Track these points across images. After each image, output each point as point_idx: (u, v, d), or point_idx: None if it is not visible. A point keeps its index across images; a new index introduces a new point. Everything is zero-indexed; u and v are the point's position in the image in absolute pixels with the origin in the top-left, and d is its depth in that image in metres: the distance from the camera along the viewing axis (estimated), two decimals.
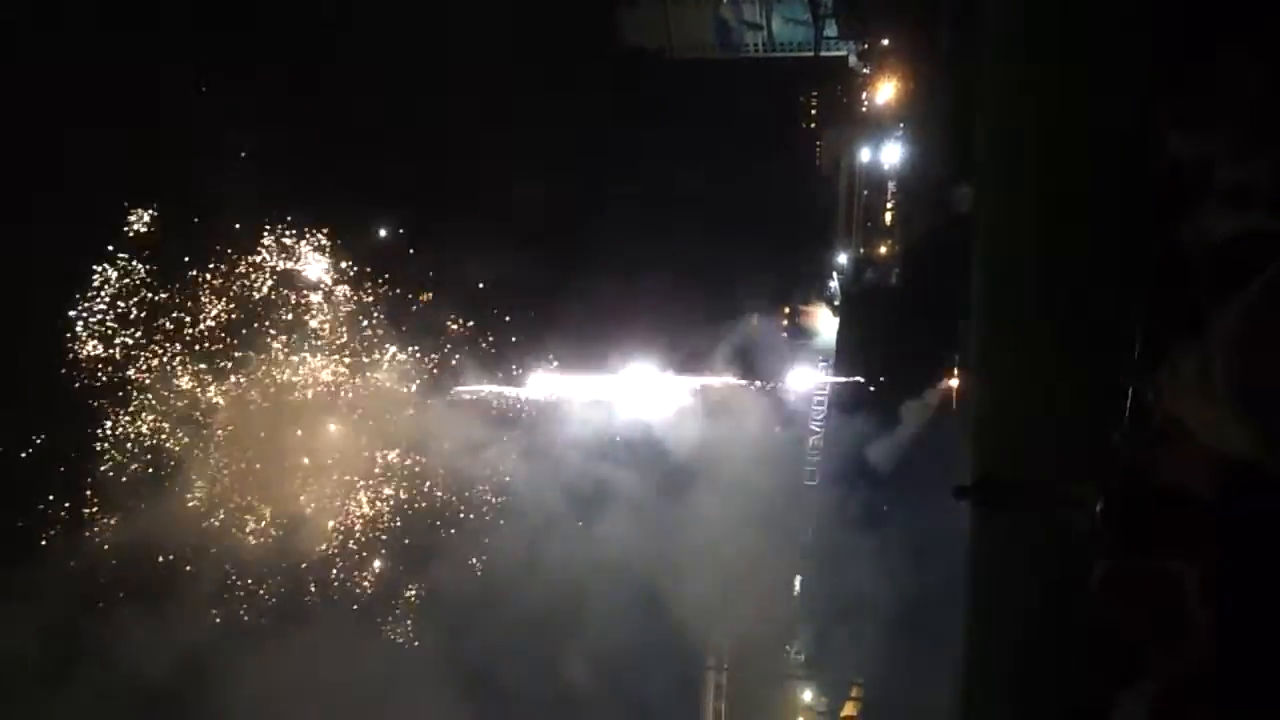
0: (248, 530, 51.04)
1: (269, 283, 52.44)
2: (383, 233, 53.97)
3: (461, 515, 53.32)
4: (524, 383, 55.43)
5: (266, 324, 52.37)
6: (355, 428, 53.22)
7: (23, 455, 49.09)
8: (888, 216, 58.85)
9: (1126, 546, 5.54)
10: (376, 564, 53.09)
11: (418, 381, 53.86)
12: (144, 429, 51.19)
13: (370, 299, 53.44)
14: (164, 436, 51.37)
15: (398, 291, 53.76)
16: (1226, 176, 5.29)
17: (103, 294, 50.78)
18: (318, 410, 52.66)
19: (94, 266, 50.64)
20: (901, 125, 57.14)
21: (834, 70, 61.63)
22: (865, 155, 58.43)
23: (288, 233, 52.43)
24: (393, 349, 53.61)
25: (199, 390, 51.81)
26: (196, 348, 51.69)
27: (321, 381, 52.86)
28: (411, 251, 53.95)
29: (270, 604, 51.00)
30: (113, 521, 49.88)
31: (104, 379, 50.81)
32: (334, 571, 52.42)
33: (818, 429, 57.26)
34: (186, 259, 51.43)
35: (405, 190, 53.61)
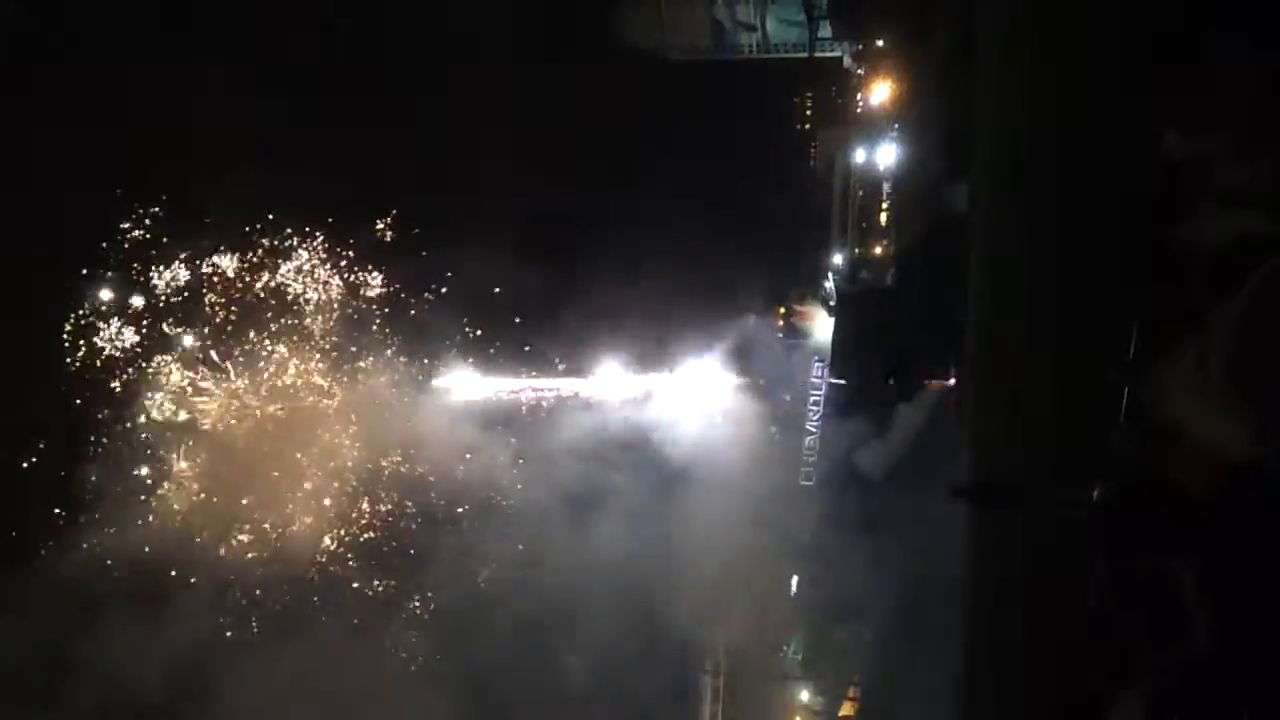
0: (241, 536, 50.82)
1: (260, 286, 52.31)
2: (377, 234, 53.89)
3: (455, 518, 53.23)
4: (519, 384, 55.41)
5: (260, 327, 52.23)
6: (351, 431, 53.10)
7: (11, 462, 48.92)
8: (883, 217, 58.83)
9: (1124, 546, 5.54)
10: (373, 568, 52.98)
11: (413, 384, 53.82)
12: (136, 434, 51.00)
13: (364, 300, 53.38)
14: (157, 441, 51.20)
15: (392, 293, 53.73)
16: (1224, 178, 5.29)
17: (94, 300, 50.62)
18: (312, 414, 52.53)
19: (85, 270, 50.57)
20: (896, 126, 57.15)
21: (829, 71, 61.71)
22: (860, 156, 58.39)
23: (281, 235, 52.34)
24: (388, 351, 53.55)
25: (193, 395, 51.66)
26: (191, 352, 51.58)
27: (316, 384, 52.74)
28: (406, 252, 53.90)
29: (266, 611, 50.82)
30: (103, 529, 49.66)
31: (96, 384, 50.71)
32: (330, 577, 52.28)
33: (813, 429, 57.26)
34: (179, 263, 51.33)
35: (400, 190, 53.60)
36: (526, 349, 55.16)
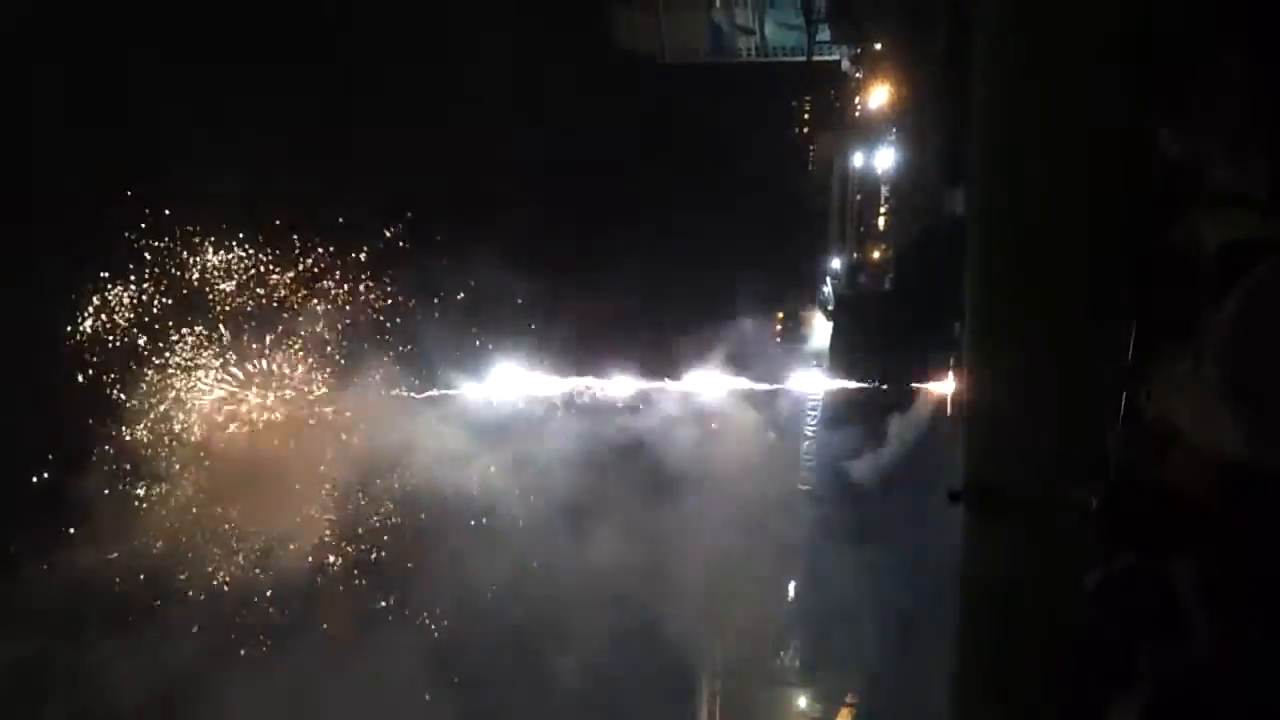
0: (232, 546, 50.53)
1: (252, 293, 52.14)
2: (376, 240, 53.81)
3: (451, 524, 53.11)
4: (518, 388, 55.36)
5: (253, 333, 52.05)
6: (348, 436, 52.92)
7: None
8: (881, 221, 58.92)
9: (1121, 548, 5.53)
10: (370, 572, 52.82)
11: (409, 388, 53.69)
12: (127, 442, 50.74)
13: (360, 306, 53.23)
14: (149, 448, 50.93)
15: (388, 298, 53.62)
16: (1217, 177, 5.29)
17: (85, 306, 50.38)
18: (304, 420, 52.32)
19: (72, 281, 50.22)
20: (894, 130, 57.23)
21: (827, 75, 61.81)
22: (858, 160, 58.50)
23: (275, 239, 52.15)
24: (383, 357, 53.41)
25: (183, 403, 51.45)
26: (184, 356, 51.40)
27: (310, 390, 52.53)
28: (404, 260, 53.80)
29: (259, 618, 50.54)
30: (91, 540, 49.46)
31: (87, 390, 50.53)
32: (325, 585, 52.09)
33: (812, 434, 57.27)
34: (171, 267, 51.18)
35: (399, 198, 53.57)
36: (523, 354, 55.05)
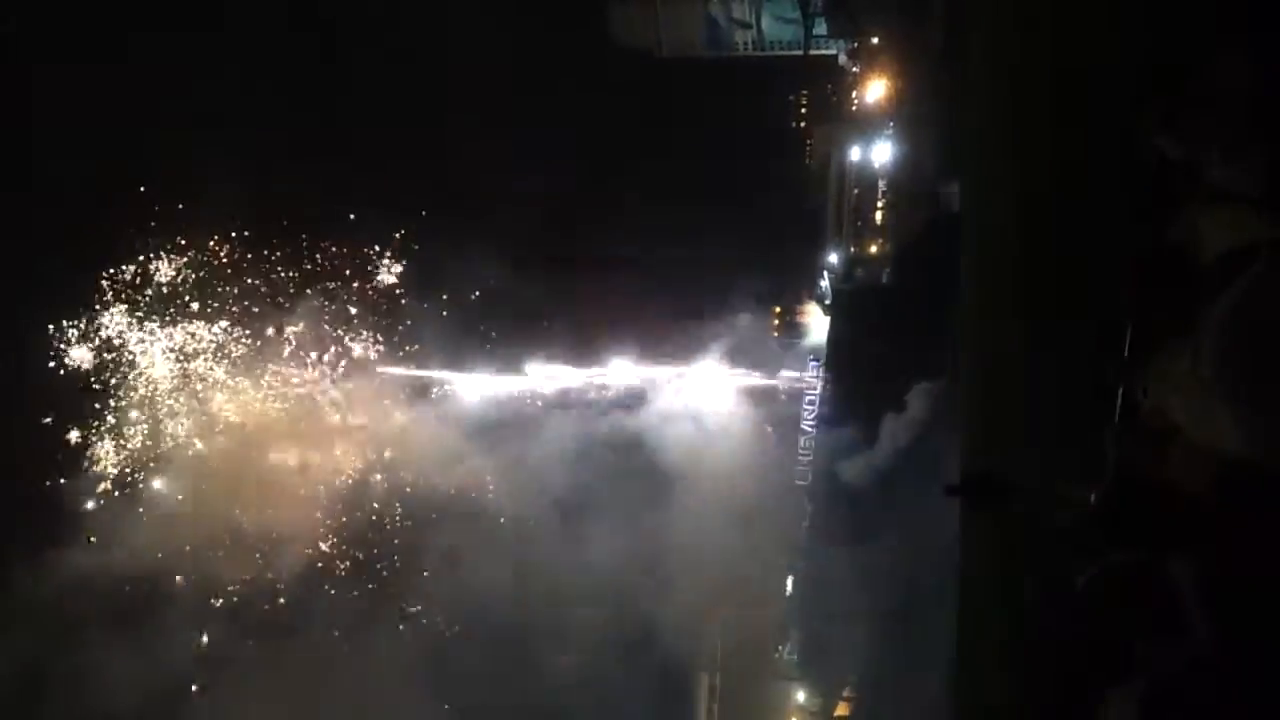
0: (229, 544, 50.44)
1: (246, 293, 52.05)
2: (372, 235, 53.76)
3: (446, 518, 53.09)
4: (515, 382, 55.39)
5: (247, 333, 51.96)
6: (344, 432, 52.88)
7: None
8: (878, 215, 58.88)
9: (1120, 544, 5.53)
10: (367, 570, 52.80)
11: (408, 380, 53.72)
12: (119, 442, 50.63)
13: (356, 303, 53.17)
14: (142, 449, 50.83)
15: (385, 294, 53.60)
16: (1215, 176, 5.28)
17: (77, 308, 50.26)
18: (300, 419, 52.26)
19: (63, 281, 50.11)
20: (891, 124, 57.18)
21: (824, 69, 61.74)
22: (855, 154, 58.44)
23: (270, 239, 52.05)
24: (379, 351, 53.38)
25: (178, 403, 51.36)
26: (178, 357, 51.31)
27: (304, 389, 52.46)
28: (403, 254, 53.79)
29: (253, 619, 50.47)
30: (85, 540, 49.39)
31: (79, 391, 50.41)
32: (320, 584, 52.04)
33: (809, 428, 57.28)
34: (162, 269, 51.08)
35: (399, 193, 53.54)
36: (521, 348, 55.08)
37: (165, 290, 51.28)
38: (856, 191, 58.59)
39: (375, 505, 52.80)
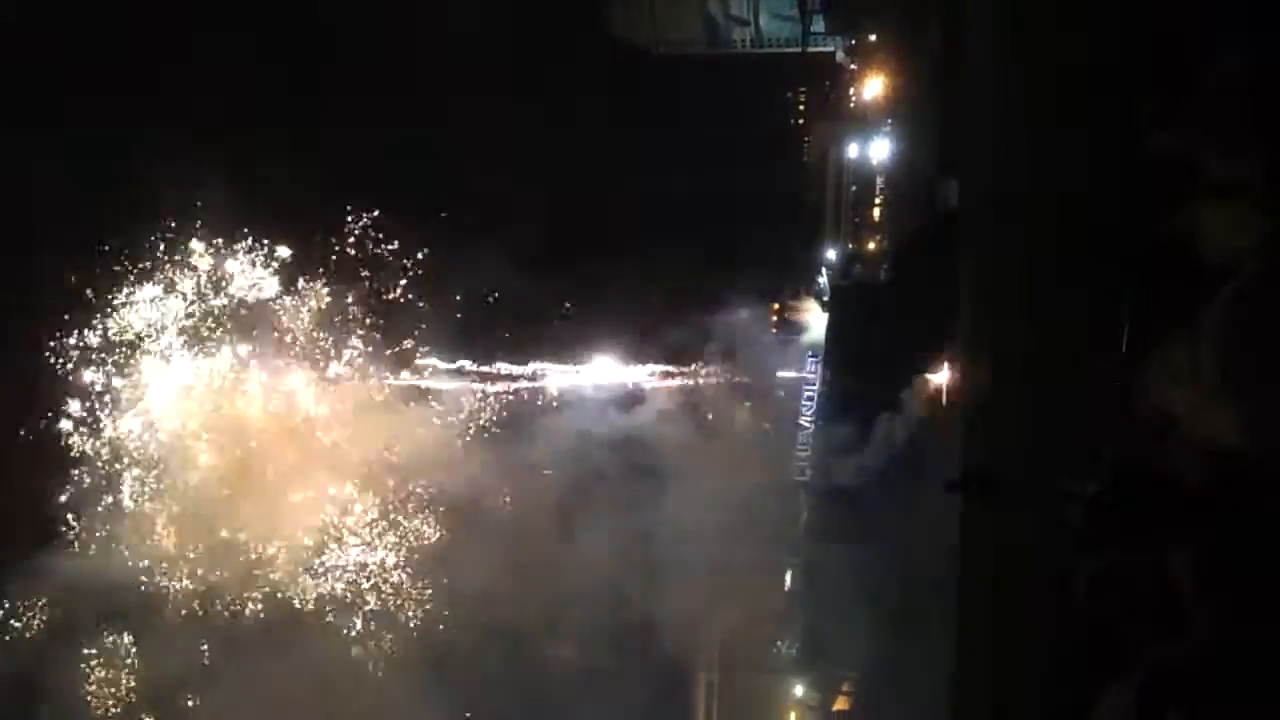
0: (224, 546, 50.28)
1: (241, 291, 51.91)
2: (369, 234, 53.59)
3: (450, 510, 53.04)
4: (513, 379, 55.34)
5: (241, 331, 51.78)
6: (338, 434, 52.66)
7: None
8: (876, 212, 58.90)
9: (1119, 538, 5.58)
10: (364, 570, 52.69)
11: (398, 382, 53.55)
12: (111, 442, 50.47)
13: (351, 301, 52.98)
14: (135, 449, 50.65)
15: (380, 293, 53.44)
16: (1214, 173, 5.33)
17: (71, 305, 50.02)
18: (295, 419, 52.08)
19: (56, 278, 49.88)
20: (889, 121, 57.18)
21: (822, 66, 61.68)
22: (853, 151, 58.43)
23: (265, 239, 51.92)
24: (373, 351, 53.22)
25: (171, 400, 51.16)
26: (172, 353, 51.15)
27: (300, 388, 52.26)
28: (398, 251, 53.62)
29: (247, 622, 50.31)
30: (78, 542, 49.25)
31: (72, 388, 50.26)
32: (317, 586, 51.96)
33: (807, 424, 57.30)
34: (158, 268, 50.92)
35: (395, 186, 53.44)
36: (518, 345, 55.02)
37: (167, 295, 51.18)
38: (854, 188, 58.60)
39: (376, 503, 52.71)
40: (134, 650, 47.70)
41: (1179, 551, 5.29)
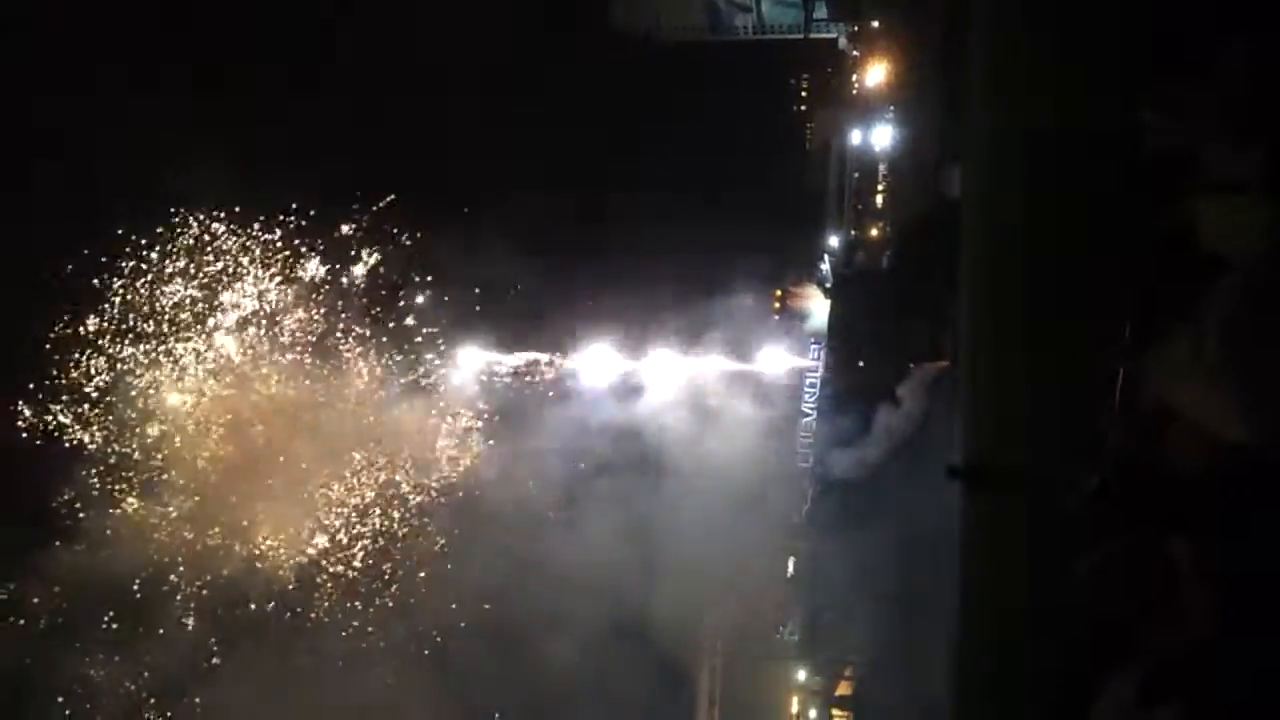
0: (227, 543, 50.25)
1: (244, 284, 51.84)
2: (369, 218, 53.51)
3: (449, 498, 53.08)
4: (512, 365, 55.39)
5: (242, 326, 51.76)
6: (338, 425, 52.63)
7: None
8: (879, 199, 58.83)
9: (1120, 528, 5.59)
10: (365, 558, 52.74)
11: (401, 372, 53.54)
12: (111, 438, 50.42)
13: (351, 294, 52.93)
14: (133, 447, 50.61)
15: (383, 281, 53.41)
16: (1215, 165, 5.33)
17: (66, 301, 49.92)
18: (299, 414, 52.06)
19: (57, 270, 49.77)
20: (892, 107, 57.05)
21: (824, 52, 61.50)
22: (856, 138, 58.32)
23: (267, 232, 51.81)
24: (376, 342, 53.18)
25: (172, 396, 51.12)
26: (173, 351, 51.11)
27: (303, 384, 52.24)
28: (397, 239, 53.56)
29: (250, 624, 50.36)
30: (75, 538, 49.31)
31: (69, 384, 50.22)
32: (333, 574, 51.99)
33: (809, 411, 57.36)
34: (156, 263, 50.84)
35: (393, 173, 53.35)
36: (519, 331, 55.01)
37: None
38: (857, 175, 58.53)
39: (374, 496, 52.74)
40: (134, 646, 47.67)
41: (1179, 542, 5.30)
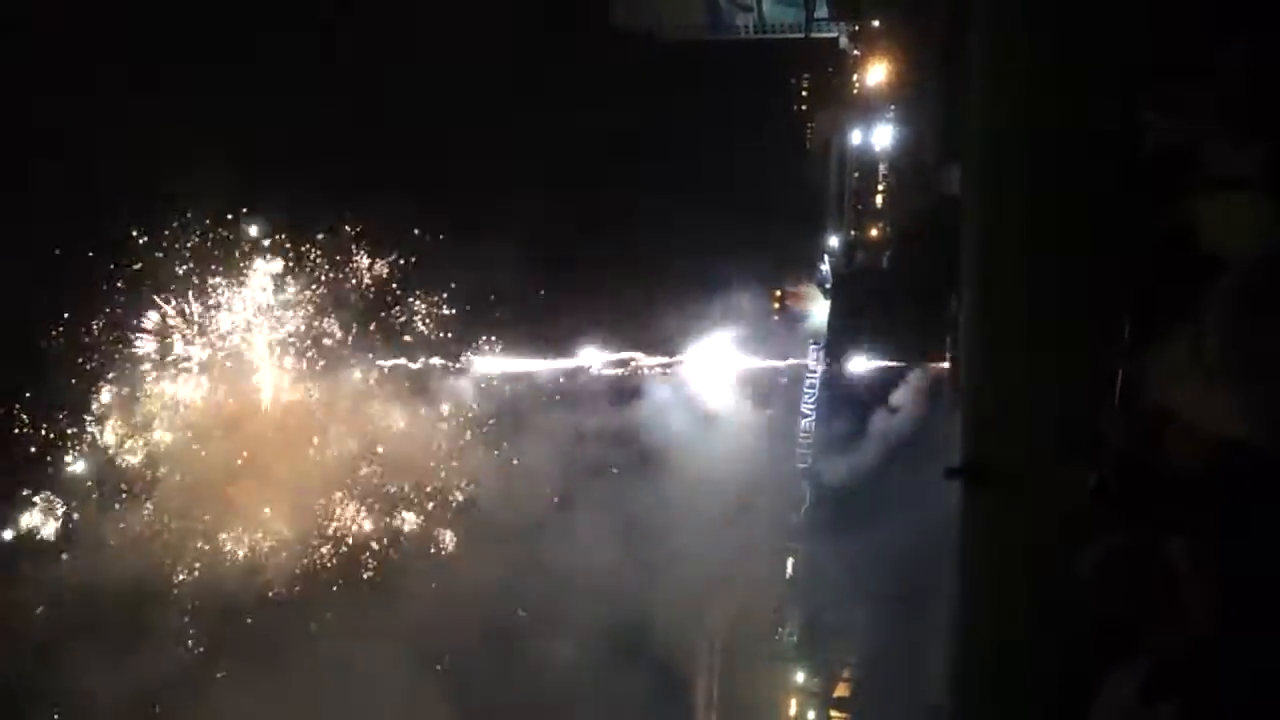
0: (223, 548, 50.17)
1: (244, 284, 51.76)
2: (373, 221, 53.44)
3: (446, 501, 53.05)
4: (510, 367, 55.37)
5: (240, 330, 51.68)
6: (335, 428, 52.55)
7: None
8: (878, 199, 58.88)
9: (1119, 527, 5.59)
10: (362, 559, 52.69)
11: (401, 374, 53.50)
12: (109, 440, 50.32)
13: (347, 294, 52.85)
14: (131, 449, 50.52)
15: (391, 282, 53.35)
16: (1215, 163, 5.32)
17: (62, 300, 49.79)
18: (298, 416, 52.01)
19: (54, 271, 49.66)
20: (892, 107, 57.09)
21: (825, 52, 61.56)
22: (856, 137, 58.37)
23: (267, 234, 51.71)
24: (373, 345, 53.14)
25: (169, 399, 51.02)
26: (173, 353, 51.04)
27: (301, 386, 52.19)
28: (402, 240, 53.51)
29: (246, 629, 50.26)
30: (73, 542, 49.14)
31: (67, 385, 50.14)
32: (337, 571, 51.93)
33: (808, 411, 57.40)
34: (154, 264, 50.76)
35: (398, 174, 53.32)
36: (520, 331, 54.95)
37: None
38: (857, 175, 58.59)
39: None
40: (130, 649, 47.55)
41: (1179, 541, 5.30)
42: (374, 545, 52.35)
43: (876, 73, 57.71)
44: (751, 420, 54.93)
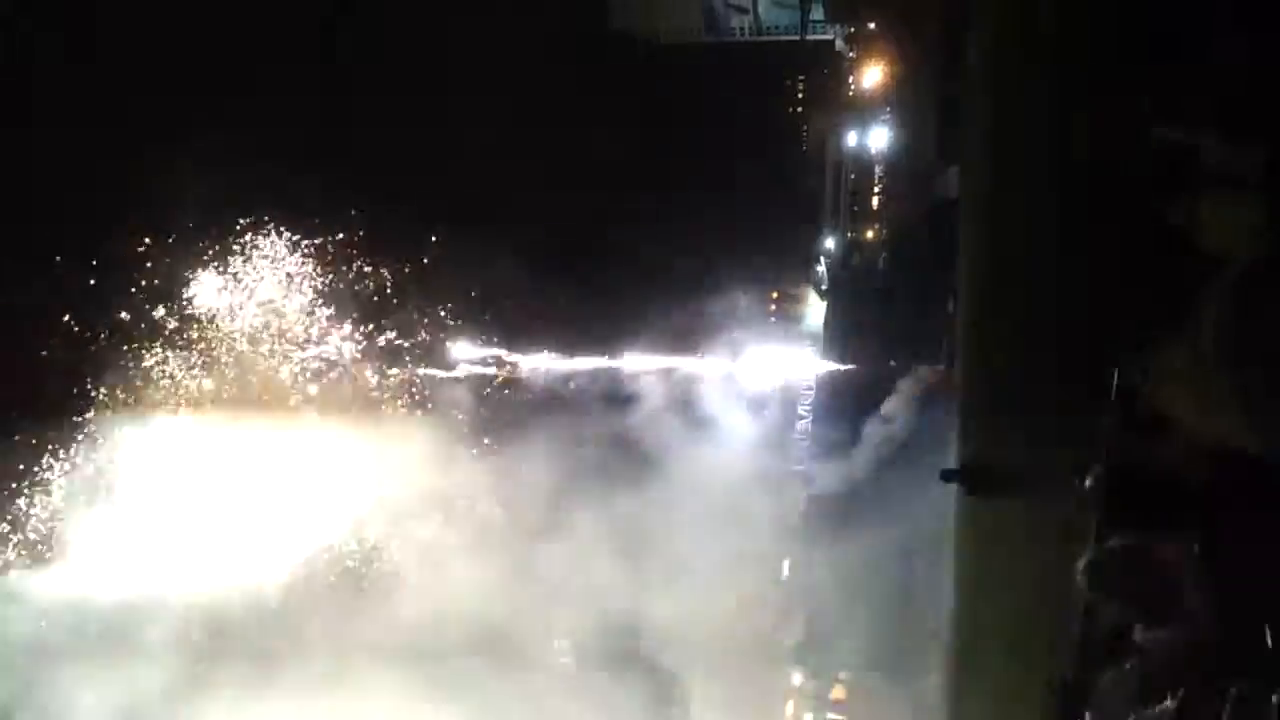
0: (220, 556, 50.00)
1: (237, 287, 51.67)
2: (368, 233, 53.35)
3: (443, 506, 52.93)
4: (508, 367, 55.32)
5: (236, 329, 51.60)
6: (334, 430, 52.45)
7: None
8: (875, 201, 58.91)
9: (1115, 529, 5.59)
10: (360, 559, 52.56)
11: (396, 379, 53.44)
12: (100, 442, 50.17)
13: (345, 293, 52.78)
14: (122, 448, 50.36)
15: (389, 285, 53.29)
16: (1213, 163, 5.33)
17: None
18: (295, 417, 51.89)
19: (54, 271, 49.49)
20: (889, 110, 57.13)
21: (821, 54, 61.57)
22: (852, 140, 58.39)
23: (262, 234, 51.65)
24: (373, 346, 53.07)
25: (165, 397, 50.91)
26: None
27: (297, 386, 52.10)
28: (402, 244, 53.41)
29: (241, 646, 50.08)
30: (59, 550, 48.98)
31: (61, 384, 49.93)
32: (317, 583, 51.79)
33: (805, 413, 57.37)
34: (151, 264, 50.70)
35: (397, 179, 53.28)
36: (512, 334, 54.94)
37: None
38: (853, 177, 58.61)
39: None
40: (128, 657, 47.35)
41: (1174, 542, 5.31)
42: (370, 551, 52.24)
43: (873, 75, 57.76)
44: (746, 423, 54.88)
